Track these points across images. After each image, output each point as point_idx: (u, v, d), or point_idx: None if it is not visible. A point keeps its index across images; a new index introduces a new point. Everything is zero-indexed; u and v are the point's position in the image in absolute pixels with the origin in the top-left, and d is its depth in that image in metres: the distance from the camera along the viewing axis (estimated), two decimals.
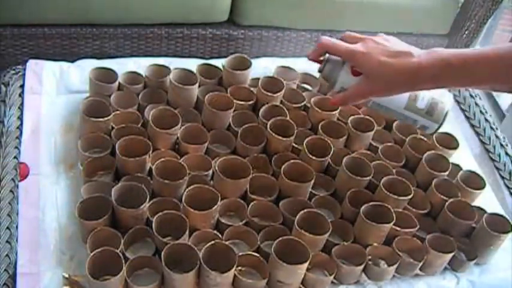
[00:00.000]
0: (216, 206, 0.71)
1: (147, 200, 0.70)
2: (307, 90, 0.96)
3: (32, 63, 0.90)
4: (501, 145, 0.98)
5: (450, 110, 0.76)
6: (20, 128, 0.82)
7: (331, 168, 0.83)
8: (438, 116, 0.76)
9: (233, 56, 0.90)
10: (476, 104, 1.05)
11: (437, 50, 0.67)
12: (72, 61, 0.93)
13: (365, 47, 0.69)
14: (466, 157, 0.94)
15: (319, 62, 0.75)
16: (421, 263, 0.75)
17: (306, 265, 0.68)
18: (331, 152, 0.81)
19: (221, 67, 0.91)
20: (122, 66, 0.91)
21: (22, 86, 0.87)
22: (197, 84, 0.86)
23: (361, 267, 0.73)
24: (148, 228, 0.70)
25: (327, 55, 0.74)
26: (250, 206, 0.75)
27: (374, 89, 0.71)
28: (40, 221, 0.72)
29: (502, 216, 0.80)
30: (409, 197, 0.78)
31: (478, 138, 1.01)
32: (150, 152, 0.76)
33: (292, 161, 0.79)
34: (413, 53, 0.67)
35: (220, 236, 0.71)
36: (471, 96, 1.06)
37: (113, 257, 0.65)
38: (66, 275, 0.67)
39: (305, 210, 0.72)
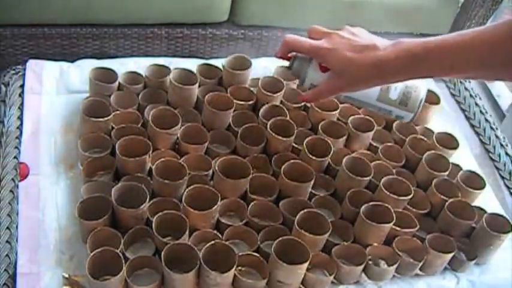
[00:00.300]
0: (216, 206, 0.71)
1: (147, 200, 0.70)
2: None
3: (32, 63, 0.90)
4: (501, 145, 0.98)
5: (425, 97, 0.75)
6: (20, 128, 0.82)
7: (331, 168, 0.83)
8: (412, 105, 0.75)
9: (233, 56, 0.90)
10: (476, 104, 1.05)
11: (403, 40, 0.65)
12: (72, 61, 0.93)
13: (330, 43, 0.68)
14: (466, 157, 0.93)
15: (289, 59, 0.75)
16: (421, 263, 0.75)
17: (306, 265, 0.68)
18: (331, 152, 0.81)
19: (221, 67, 0.91)
20: (122, 66, 0.91)
21: (22, 86, 0.87)
22: (197, 84, 0.86)
23: (361, 267, 0.73)
24: (148, 228, 0.70)
25: (294, 52, 0.74)
26: (250, 206, 0.74)
27: (343, 85, 0.70)
28: (40, 221, 0.72)
29: (502, 216, 0.80)
30: (409, 197, 0.78)
31: (478, 138, 1.01)
32: (150, 152, 0.76)
33: (292, 161, 0.79)
34: (379, 46, 0.66)
35: (220, 236, 0.71)
36: (471, 96, 1.06)
37: (113, 257, 0.65)
38: (66, 275, 0.67)
39: (305, 210, 0.72)
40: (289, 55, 0.75)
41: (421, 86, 0.76)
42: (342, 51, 0.67)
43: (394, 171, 0.83)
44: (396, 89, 0.74)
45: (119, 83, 0.85)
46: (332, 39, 0.69)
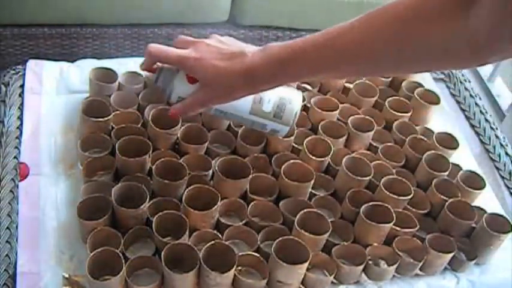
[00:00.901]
0: (216, 206, 0.71)
1: (147, 200, 0.70)
2: (307, 90, 0.96)
3: (32, 63, 0.90)
4: (501, 145, 0.98)
5: (300, 110, 0.73)
6: (20, 128, 0.82)
7: (331, 168, 0.83)
8: (287, 118, 0.73)
9: None
10: (476, 104, 1.05)
11: (270, 46, 0.62)
12: (72, 61, 0.93)
13: (197, 52, 0.65)
14: (466, 157, 0.93)
15: (154, 71, 0.71)
16: (421, 263, 0.75)
17: (306, 265, 0.68)
18: (331, 152, 0.81)
19: None
20: (122, 66, 0.91)
21: (22, 86, 0.87)
22: None
23: (361, 267, 0.73)
24: (148, 228, 0.70)
25: (159, 64, 0.70)
26: (250, 206, 0.74)
27: (212, 96, 0.66)
28: (40, 221, 0.72)
29: (502, 216, 0.80)
30: (409, 197, 0.78)
31: (478, 138, 1.01)
32: (150, 152, 0.76)
33: (292, 161, 0.79)
34: (247, 53, 0.62)
35: (220, 236, 0.71)
36: (471, 96, 1.06)
37: (113, 257, 0.65)
38: (66, 275, 0.67)
39: (305, 210, 0.72)
40: (154, 67, 0.71)
41: (295, 98, 0.73)
42: (209, 60, 0.63)
43: (394, 171, 0.83)
44: (270, 101, 0.72)
45: (119, 83, 0.85)
46: (199, 47, 0.65)
